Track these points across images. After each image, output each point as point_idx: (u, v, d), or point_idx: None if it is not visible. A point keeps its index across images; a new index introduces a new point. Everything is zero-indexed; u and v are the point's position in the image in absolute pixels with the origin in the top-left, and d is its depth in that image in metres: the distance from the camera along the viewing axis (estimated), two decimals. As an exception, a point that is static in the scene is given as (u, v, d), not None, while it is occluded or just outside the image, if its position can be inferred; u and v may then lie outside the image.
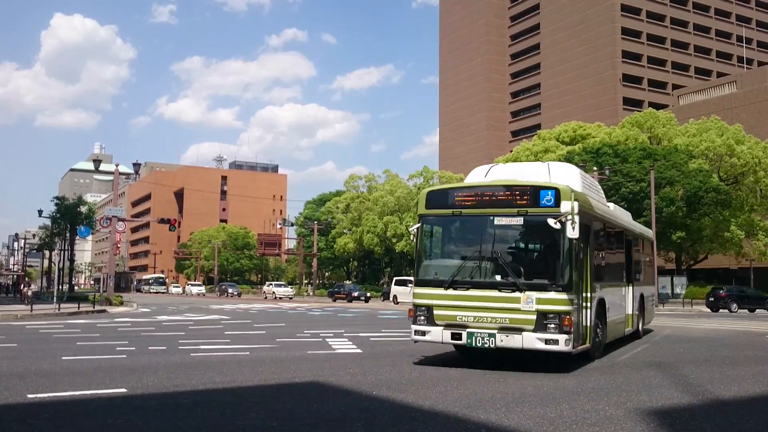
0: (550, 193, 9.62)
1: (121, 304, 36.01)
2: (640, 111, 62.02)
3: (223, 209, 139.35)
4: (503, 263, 9.78)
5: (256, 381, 8.73)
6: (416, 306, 10.25)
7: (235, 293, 69.50)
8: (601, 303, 11.38)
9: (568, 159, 47.25)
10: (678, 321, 25.73)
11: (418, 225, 10.68)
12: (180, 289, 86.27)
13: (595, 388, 8.44)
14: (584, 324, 10.32)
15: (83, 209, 56.92)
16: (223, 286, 74.65)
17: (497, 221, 9.92)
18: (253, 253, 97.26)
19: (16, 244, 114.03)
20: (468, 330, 9.70)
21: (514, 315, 9.45)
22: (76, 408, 6.90)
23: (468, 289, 9.82)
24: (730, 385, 8.95)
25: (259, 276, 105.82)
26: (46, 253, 69.00)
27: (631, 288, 14.50)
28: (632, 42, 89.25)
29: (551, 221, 9.31)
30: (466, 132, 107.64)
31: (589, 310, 10.40)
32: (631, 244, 14.94)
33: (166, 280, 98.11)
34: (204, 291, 79.57)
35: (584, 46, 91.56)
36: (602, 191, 13.50)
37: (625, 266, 14.37)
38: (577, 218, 9.22)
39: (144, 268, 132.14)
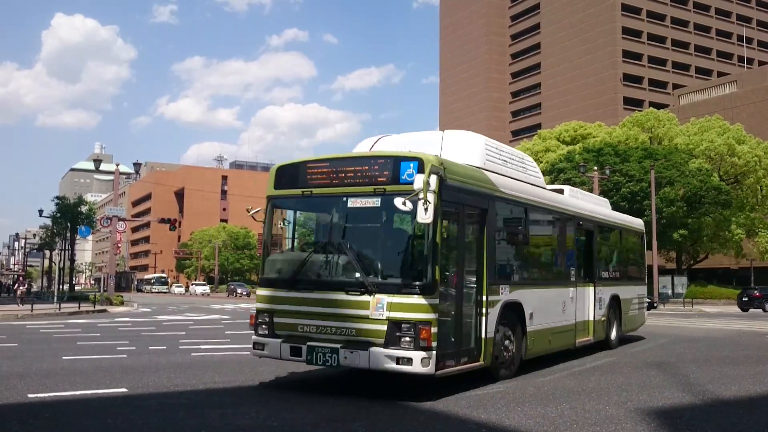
0: (411, 165, 7.51)
1: (122, 303, 36.02)
2: (641, 111, 62.02)
3: (224, 209, 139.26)
4: (353, 257, 7.78)
5: (257, 381, 8.74)
6: (258, 311, 8.31)
7: (244, 293, 69.20)
8: (515, 307, 9.15)
9: (568, 159, 47.26)
10: (678, 321, 25.75)
11: (257, 210, 9.03)
12: (182, 289, 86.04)
13: (595, 388, 8.44)
14: (477, 335, 8.24)
15: (83, 209, 56.99)
16: (232, 286, 74.32)
17: (351, 203, 7.93)
18: (253, 253, 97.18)
19: (16, 243, 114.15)
20: (309, 344, 7.63)
21: (362, 324, 7.41)
22: (76, 408, 6.90)
23: (312, 290, 7.83)
24: (730, 384, 8.95)
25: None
26: (47, 252, 69.01)
27: (590, 289, 12.21)
28: (633, 41, 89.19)
29: (398, 201, 7.22)
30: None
31: (484, 317, 8.28)
32: (593, 236, 12.68)
33: (168, 280, 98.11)
34: (209, 291, 79.22)
35: (585, 45, 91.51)
36: (534, 169, 10.97)
37: (580, 262, 12.08)
38: (431, 197, 7.07)
39: (144, 268, 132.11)
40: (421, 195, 7.04)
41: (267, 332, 8.14)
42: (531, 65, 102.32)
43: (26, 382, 8.42)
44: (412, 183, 7.24)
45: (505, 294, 8.91)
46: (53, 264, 67.72)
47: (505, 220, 9.54)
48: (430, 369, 7.13)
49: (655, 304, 37.79)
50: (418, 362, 7.05)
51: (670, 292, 43.18)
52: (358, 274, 7.66)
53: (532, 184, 10.55)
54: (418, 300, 7.23)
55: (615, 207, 55.15)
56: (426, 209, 7.04)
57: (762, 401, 7.91)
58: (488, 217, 8.61)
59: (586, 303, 12.05)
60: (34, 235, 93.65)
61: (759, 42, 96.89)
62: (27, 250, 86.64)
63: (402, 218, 8.00)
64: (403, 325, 7.20)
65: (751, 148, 49.66)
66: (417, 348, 7.12)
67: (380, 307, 7.33)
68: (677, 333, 18.65)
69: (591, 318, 12.18)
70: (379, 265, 7.88)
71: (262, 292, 8.40)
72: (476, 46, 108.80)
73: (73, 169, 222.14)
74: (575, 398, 7.68)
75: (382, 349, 7.22)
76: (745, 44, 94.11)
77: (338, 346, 7.46)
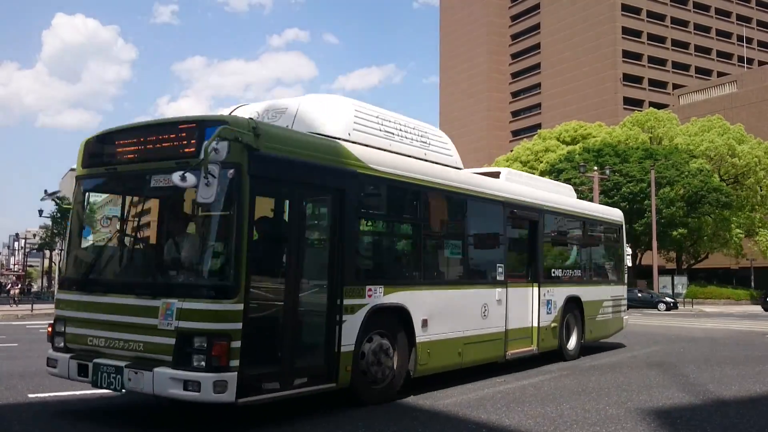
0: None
1: (122, 303, 35.98)
2: (641, 111, 62.05)
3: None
4: (147, 251, 6.59)
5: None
6: (55, 320, 6.74)
7: None
8: (396, 313, 7.47)
9: (568, 159, 47.27)
10: (678, 321, 25.76)
11: (56, 192, 7.16)
12: None
13: (596, 388, 8.44)
14: (328, 349, 6.56)
15: (84, 209, 57.03)
16: None
17: (154, 181, 6.30)
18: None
19: (16, 243, 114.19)
20: (96, 360, 6.07)
21: (150, 337, 5.83)
22: (76, 408, 6.91)
23: (105, 293, 6.29)
24: (730, 384, 8.95)
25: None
26: (47, 252, 69.10)
27: (532, 289, 10.33)
28: (633, 41, 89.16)
29: (176, 176, 5.61)
30: (467, 132, 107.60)
31: (338, 327, 6.61)
32: (537, 227, 10.64)
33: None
34: None
35: (585, 45, 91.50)
36: (441, 145, 8.94)
37: (515, 257, 10.33)
38: (216, 169, 5.62)
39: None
40: (202, 166, 5.61)
41: (62, 345, 6.53)
42: (531, 65, 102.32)
43: (26, 382, 8.41)
44: (218, 153, 5.73)
45: (377, 296, 7.16)
46: (53, 264, 67.80)
47: (382, 205, 7.94)
48: (227, 396, 5.49)
49: (677, 305, 38.21)
50: (209, 387, 5.41)
51: (670, 292, 43.29)
52: (150, 274, 6.35)
53: (437, 163, 8.64)
54: (212, 306, 5.62)
55: (615, 207, 54.18)
56: (207, 184, 5.60)
57: (763, 401, 7.91)
58: (347, 200, 6.87)
59: (525, 306, 10.13)
60: (34, 235, 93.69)
61: (759, 42, 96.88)
62: (27, 250, 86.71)
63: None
64: (195, 339, 5.58)
65: (751, 148, 49.69)
66: (209, 368, 5.48)
67: (169, 315, 5.74)
68: (675, 334, 18.63)
69: (534, 324, 10.27)
70: (175, 260, 6.36)
71: (60, 295, 6.84)
72: (476, 46, 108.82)
73: (73, 169, 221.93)
74: (575, 398, 7.67)
75: (168, 370, 5.59)
76: (745, 44, 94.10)
77: (123, 364, 5.85)
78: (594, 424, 6.27)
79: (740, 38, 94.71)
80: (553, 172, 46.44)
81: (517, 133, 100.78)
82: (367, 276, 7.29)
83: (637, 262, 48.70)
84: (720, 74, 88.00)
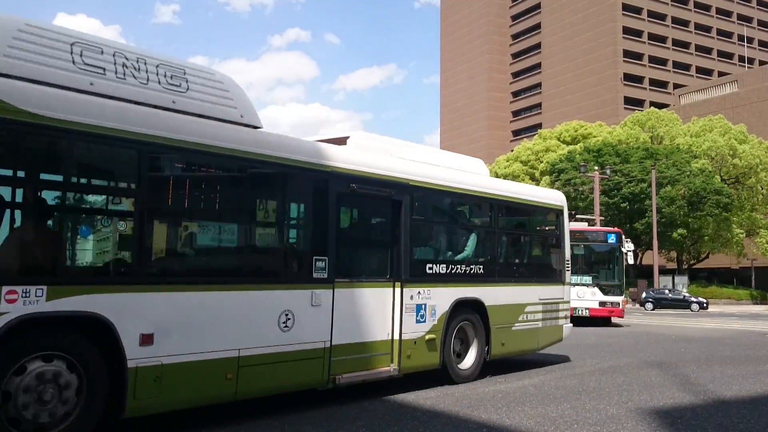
0: None
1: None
2: (642, 110, 62.08)
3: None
4: None
5: (257, 380, 8.70)
6: None
7: None
8: (82, 325, 5.20)
9: (569, 159, 47.27)
10: (678, 321, 25.76)
11: None
12: None
13: (596, 388, 8.44)
14: None
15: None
16: None
17: None
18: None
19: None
20: None
21: None
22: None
23: None
24: (731, 384, 8.95)
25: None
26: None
27: (392, 291, 7.83)
28: (633, 41, 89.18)
29: None
30: (467, 131, 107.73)
31: None
32: (402, 209, 7.97)
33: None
34: None
35: (585, 45, 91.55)
36: (209, 90, 6.53)
37: (352, 248, 7.76)
38: None
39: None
40: None
41: None
42: (532, 65, 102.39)
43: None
44: None
45: (32, 302, 4.86)
46: (54, 264, 67.76)
47: (55, 166, 5.60)
48: None
49: (708, 305, 38.34)
50: None
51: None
52: None
53: (201, 116, 6.30)
54: None
55: (615, 207, 53.21)
56: None
57: (764, 401, 7.90)
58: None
59: (375, 313, 7.62)
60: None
61: (760, 41, 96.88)
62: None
63: None
64: None
65: (752, 148, 49.70)
66: None
67: None
68: (676, 334, 18.61)
69: (393, 336, 7.79)
70: None
71: None
72: (477, 45, 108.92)
73: None
74: (576, 398, 7.68)
75: None
76: (745, 44, 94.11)
77: None
78: (594, 424, 6.28)
79: (741, 38, 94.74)
80: (554, 172, 46.45)
81: (517, 133, 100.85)
82: (4, 271, 4.90)
83: (638, 261, 48.74)
84: (721, 74, 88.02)
